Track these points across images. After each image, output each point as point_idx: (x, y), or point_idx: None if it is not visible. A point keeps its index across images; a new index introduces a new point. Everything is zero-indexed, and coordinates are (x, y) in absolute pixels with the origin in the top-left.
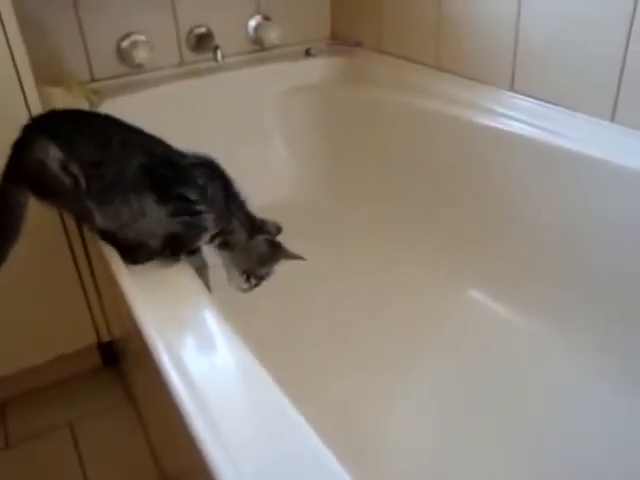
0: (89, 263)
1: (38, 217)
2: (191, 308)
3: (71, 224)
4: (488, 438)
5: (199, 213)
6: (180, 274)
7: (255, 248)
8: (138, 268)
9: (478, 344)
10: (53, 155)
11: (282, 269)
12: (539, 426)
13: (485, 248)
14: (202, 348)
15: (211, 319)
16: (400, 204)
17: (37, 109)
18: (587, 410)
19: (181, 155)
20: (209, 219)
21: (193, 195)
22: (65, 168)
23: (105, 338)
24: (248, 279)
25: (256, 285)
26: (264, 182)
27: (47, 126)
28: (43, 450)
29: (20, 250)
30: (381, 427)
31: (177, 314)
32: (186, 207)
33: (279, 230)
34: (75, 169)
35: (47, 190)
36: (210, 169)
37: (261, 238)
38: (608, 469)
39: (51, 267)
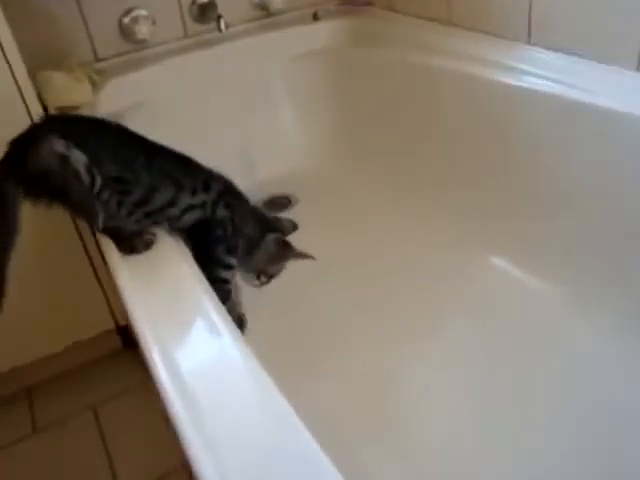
0: (100, 249)
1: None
2: (187, 300)
3: None
4: (508, 402)
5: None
6: (177, 264)
7: (265, 248)
8: (134, 258)
9: (500, 311)
10: (76, 157)
11: (304, 243)
12: (559, 391)
13: (506, 214)
14: (195, 342)
15: (208, 311)
16: (416, 170)
17: (31, 96)
18: (608, 374)
19: (206, 185)
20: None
21: (232, 260)
22: (89, 170)
23: (123, 322)
24: (259, 277)
25: (267, 282)
26: (274, 152)
27: (66, 131)
28: (68, 433)
29: (31, 243)
30: (404, 394)
31: (172, 306)
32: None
33: (295, 227)
34: (97, 174)
35: (62, 185)
36: (231, 193)
37: (271, 237)
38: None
39: (63, 257)
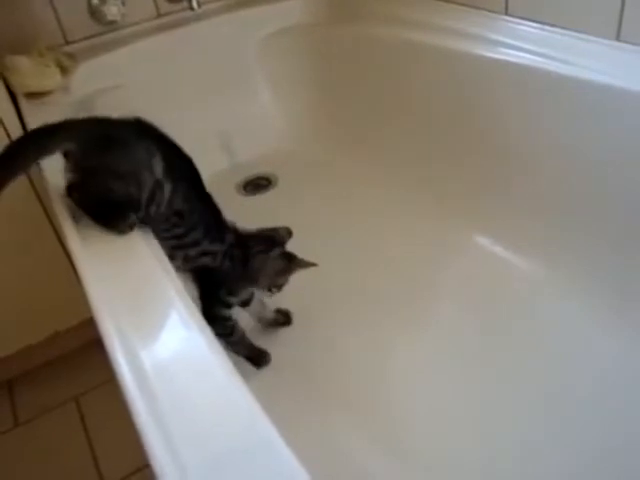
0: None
1: (17, 201)
2: (153, 292)
3: (49, 203)
4: (494, 384)
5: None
6: (145, 255)
7: (272, 265)
8: (96, 243)
9: (484, 289)
10: (158, 163)
11: (286, 223)
12: (545, 368)
13: (488, 191)
14: (160, 335)
15: (174, 304)
16: (398, 148)
17: None
18: (595, 352)
19: (221, 237)
20: None
21: (233, 300)
22: (158, 183)
23: None
24: (270, 290)
25: (277, 292)
26: (253, 132)
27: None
28: (51, 426)
29: (5, 234)
30: (390, 375)
31: (136, 298)
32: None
33: (290, 234)
34: (166, 188)
35: (124, 181)
36: (239, 245)
37: (276, 253)
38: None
39: (38, 247)
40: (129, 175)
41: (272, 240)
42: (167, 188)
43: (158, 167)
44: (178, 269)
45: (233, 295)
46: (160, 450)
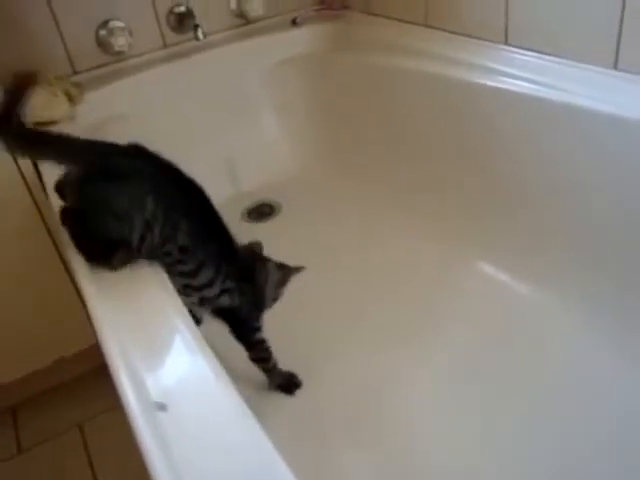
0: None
1: (24, 225)
2: (159, 320)
3: (56, 230)
4: (501, 407)
5: None
6: (151, 285)
7: (271, 278)
8: (103, 271)
9: (486, 315)
10: (149, 204)
11: (289, 250)
12: (548, 393)
13: (490, 218)
14: (165, 362)
15: (180, 330)
16: (399, 176)
17: None
18: (595, 376)
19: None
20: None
21: (261, 321)
22: (148, 224)
23: None
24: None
25: (270, 306)
26: (257, 161)
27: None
28: (54, 452)
29: (12, 261)
30: (396, 401)
31: (143, 327)
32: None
33: (260, 246)
34: (156, 229)
35: (104, 210)
36: (245, 280)
37: (271, 265)
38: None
39: (44, 274)
40: (123, 216)
41: (256, 254)
42: (157, 229)
43: (150, 206)
44: (193, 305)
45: (260, 318)
46: (164, 477)
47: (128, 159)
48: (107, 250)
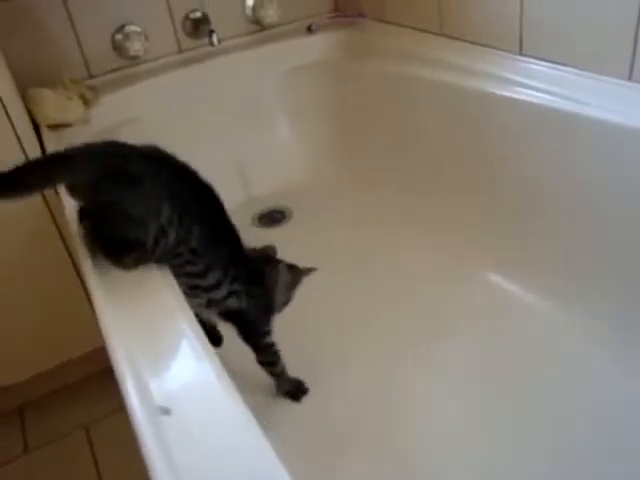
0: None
1: (36, 228)
2: (167, 326)
3: (68, 232)
4: (506, 417)
5: None
6: (159, 290)
7: (282, 280)
8: (112, 274)
9: (496, 325)
10: (165, 211)
11: (299, 256)
12: (557, 401)
13: (501, 228)
14: (170, 367)
15: (186, 334)
16: (412, 184)
17: (18, 113)
18: (603, 391)
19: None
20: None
21: (271, 325)
22: (163, 230)
23: None
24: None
25: (282, 309)
26: (269, 167)
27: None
28: (60, 453)
29: (21, 262)
30: (403, 408)
31: (150, 331)
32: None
33: (274, 250)
34: (171, 235)
35: (125, 222)
36: (254, 283)
37: (282, 266)
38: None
39: (53, 275)
40: (138, 221)
41: (267, 257)
42: (172, 234)
43: (166, 212)
44: (200, 306)
45: (270, 321)
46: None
47: (144, 162)
48: (122, 249)
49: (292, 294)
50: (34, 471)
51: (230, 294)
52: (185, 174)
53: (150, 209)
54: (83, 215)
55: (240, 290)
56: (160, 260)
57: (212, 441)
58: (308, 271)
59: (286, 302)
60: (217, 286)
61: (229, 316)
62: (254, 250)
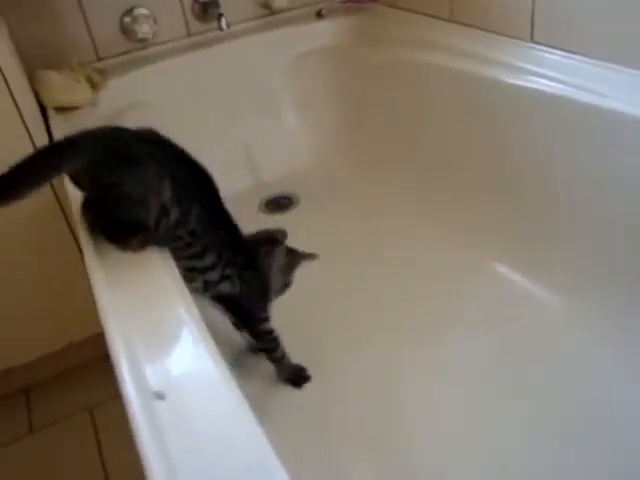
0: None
1: (41, 210)
2: (165, 310)
3: (71, 214)
4: (511, 407)
5: None
6: (159, 273)
7: (277, 263)
8: (112, 260)
9: (502, 317)
10: (166, 190)
11: (305, 243)
12: (561, 398)
13: (508, 219)
14: (167, 354)
15: (185, 322)
16: (419, 173)
17: (23, 95)
18: (608, 385)
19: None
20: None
21: (268, 312)
22: (164, 208)
23: None
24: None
25: (284, 291)
26: (276, 153)
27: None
28: (64, 435)
29: (26, 244)
30: (404, 402)
31: (147, 315)
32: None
33: (285, 234)
34: (172, 214)
35: (128, 200)
36: (250, 267)
37: (280, 249)
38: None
39: (58, 257)
40: (139, 200)
41: (272, 240)
42: (174, 214)
43: (166, 192)
44: (196, 291)
45: (267, 308)
46: (159, 471)
47: (144, 144)
48: (127, 232)
49: (290, 278)
50: (38, 451)
51: (223, 278)
52: (182, 157)
53: (151, 188)
54: (87, 207)
55: (233, 274)
56: (161, 242)
57: (206, 428)
58: (308, 256)
59: (285, 286)
60: (212, 268)
61: (224, 302)
62: (264, 232)
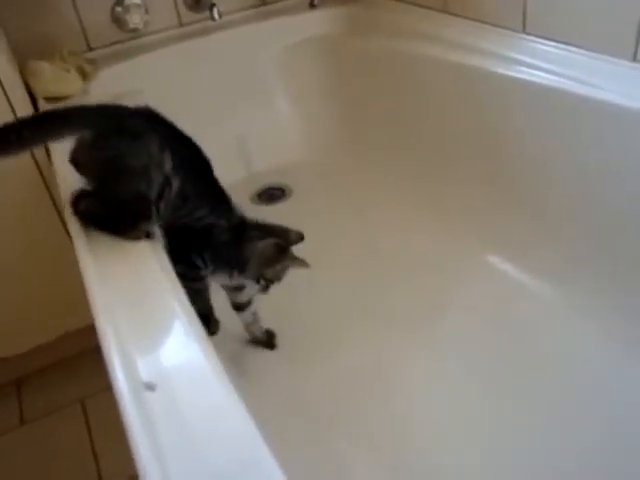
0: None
1: (30, 198)
2: (155, 300)
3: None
4: (504, 396)
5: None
6: (150, 263)
7: (261, 252)
8: (103, 251)
9: (495, 308)
10: (167, 161)
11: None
12: (556, 387)
13: (501, 210)
14: (159, 346)
15: (175, 313)
16: (413, 163)
17: (12, 84)
18: (601, 373)
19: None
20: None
21: (199, 262)
22: (167, 179)
23: None
24: (258, 281)
25: (267, 287)
26: (270, 142)
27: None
28: (55, 426)
29: (19, 234)
30: (398, 392)
31: (138, 306)
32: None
33: (301, 238)
34: (174, 184)
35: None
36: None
37: (270, 241)
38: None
39: (50, 247)
40: (142, 172)
41: (278, 235)
42: (175, 184)
43: (168, 163)
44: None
45: (206, 263)
46: (150, 462)
47: (141, 118)
48: (129, 219)
49: (271, 273)
50: (29, 442)
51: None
52: (178, 133)
53: (153, 160)
54: (81, 199)
55: (222, 225)
56: (163, 218)
57: (196, 419)
58: (298, 262)
59: (261, 277)
60: (202, 219)
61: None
62: (281, 227)
